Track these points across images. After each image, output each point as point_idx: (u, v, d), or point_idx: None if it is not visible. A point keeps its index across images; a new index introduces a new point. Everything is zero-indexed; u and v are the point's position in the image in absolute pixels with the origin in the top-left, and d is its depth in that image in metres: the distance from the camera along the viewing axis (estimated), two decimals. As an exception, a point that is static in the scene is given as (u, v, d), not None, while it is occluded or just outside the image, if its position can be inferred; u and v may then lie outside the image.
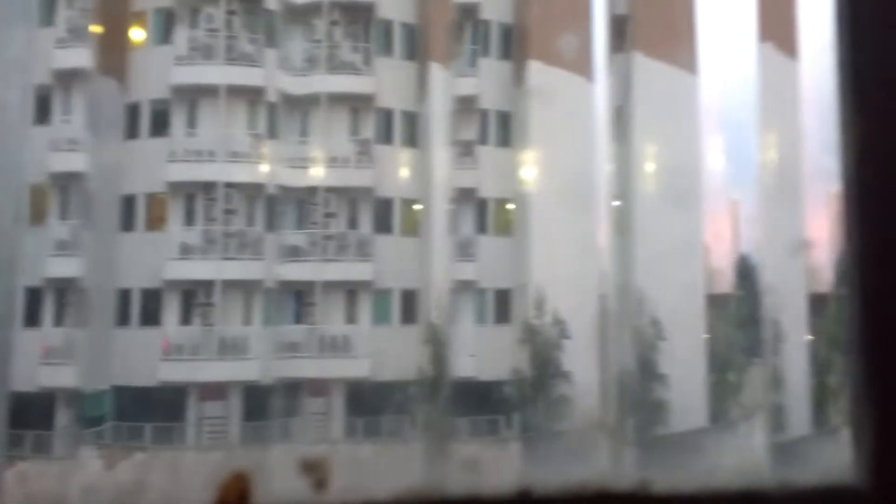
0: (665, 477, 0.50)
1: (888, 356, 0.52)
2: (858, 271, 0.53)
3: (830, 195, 0.73)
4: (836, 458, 0.58)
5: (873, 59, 0.54)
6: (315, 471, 0.48)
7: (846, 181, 0.55)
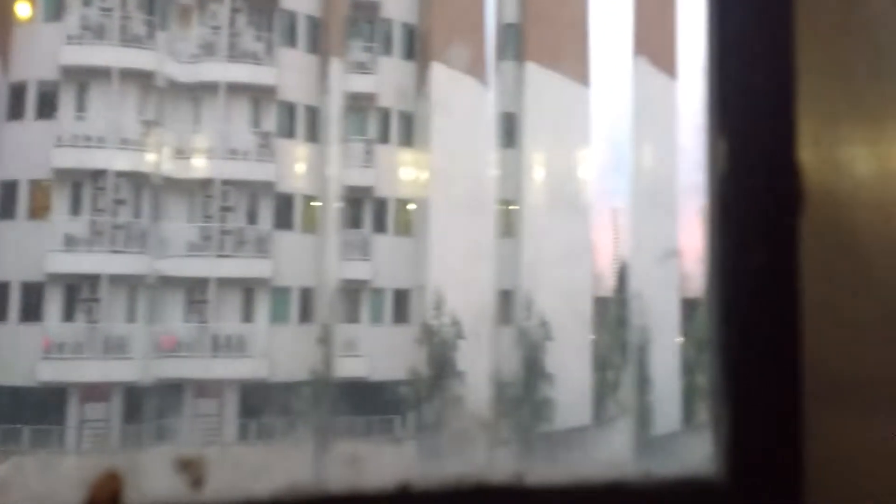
0: (546, 471, 0.53)
1: (742, 357, 0.57)
2: (717, 278, 0.57)
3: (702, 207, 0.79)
4: (701, 452, 0.63)
5: (738, 83, 0.59)
6: (191, 469, 0.48)
7: (710, 195, 0.59)
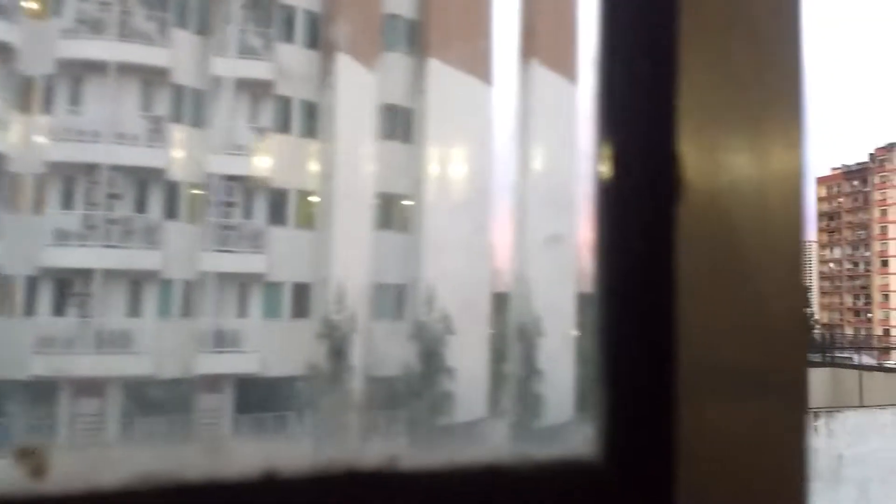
0: (424, 456, 0.51)
1: (620, 342, 0.57)
2: (601, 267, 0.58)
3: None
4: (589, 439, 0.64)
5: (622, 78, 0.59)
6: (30, 459, 0.43)
7: (597, 186, 0.59)
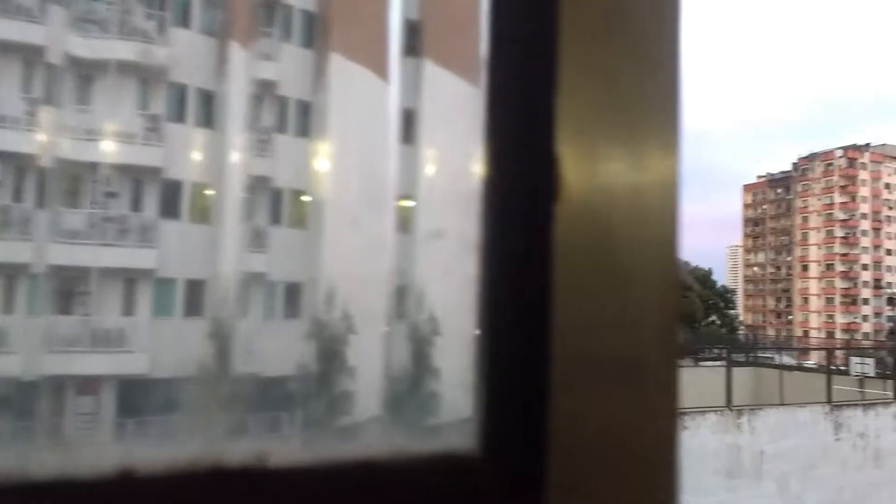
0: (298, 452, 0.51)
1: (497, 336, 0.59)
2: (483, 264, 0.59)
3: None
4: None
5: (505, 77, 0.61)
6: None
7: (482, 183, 0.60)
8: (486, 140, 0.61)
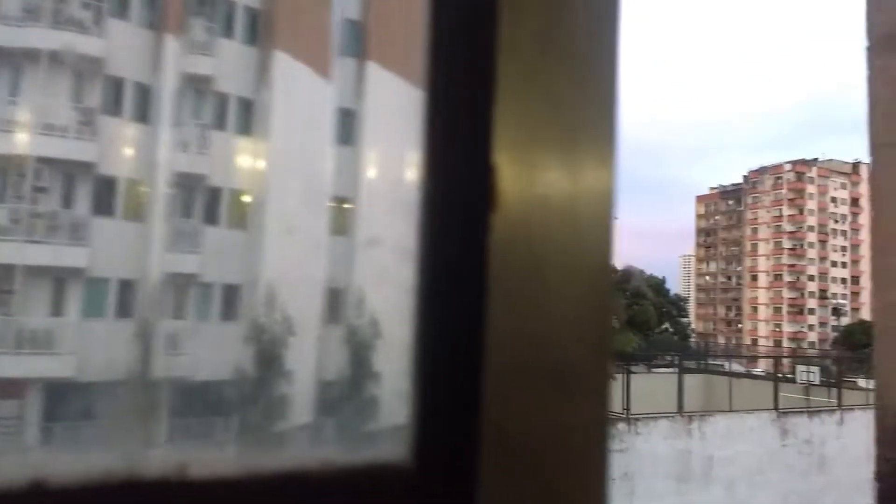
0: (224, 463, 0.50)
1: (432, 344, 0.58)
2: (419, 271, 0.59)
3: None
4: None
5: (443, 83, 0.61)
6: None
7: (418, 197, 0.60)
8: (424, 148, 0.61)
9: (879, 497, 1.66)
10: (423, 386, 0.58)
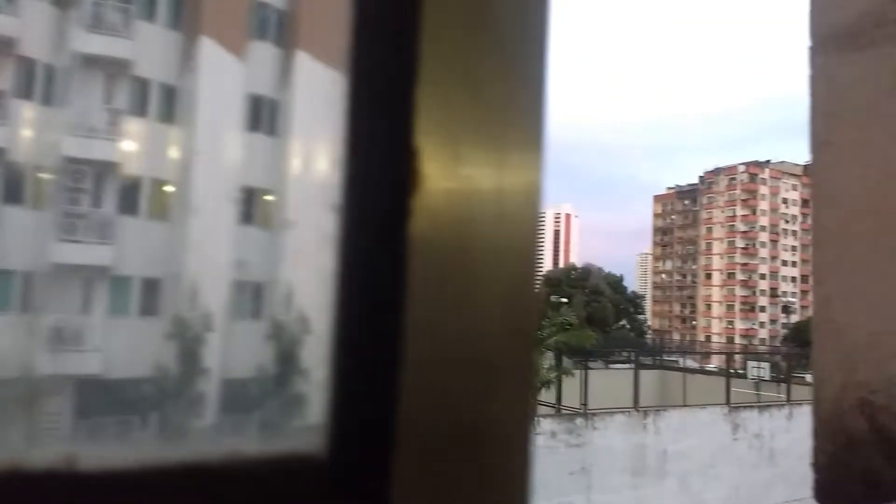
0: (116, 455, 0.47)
1: (348, 334, 0.57)
2: (336, 261, 0.57)
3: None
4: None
5: (365, 66, 0.59)
6: None
7: (339, 182, 0.58)
8: (345, 131, 0.59)
9: (816, 488, 1.70)
10: (339, 376, 0.56)
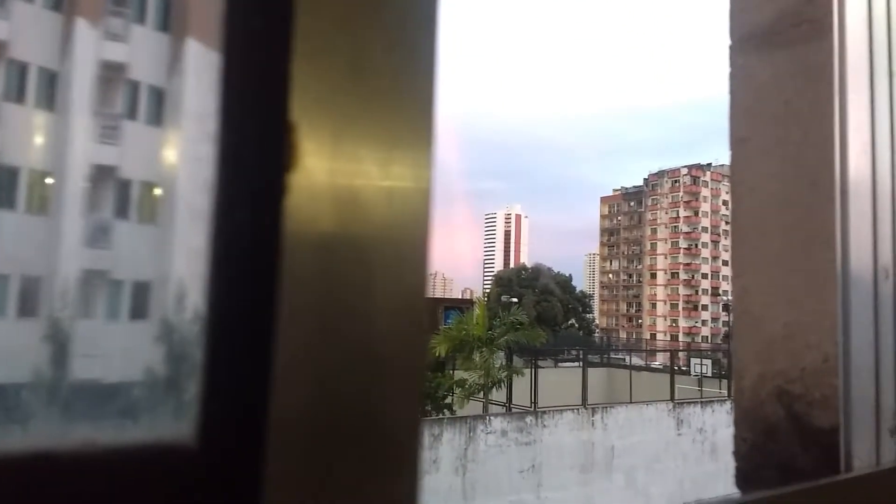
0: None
1: (220, 320, 0.54)
2: (207, 245, 0.54)
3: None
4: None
5: (238, 39, 0.57)
6: None
7: (214, 156, 0.56)
8: (219, 105, 0.56)
9: (737, 476, 1.74)
10: (210, 363, 0.54)
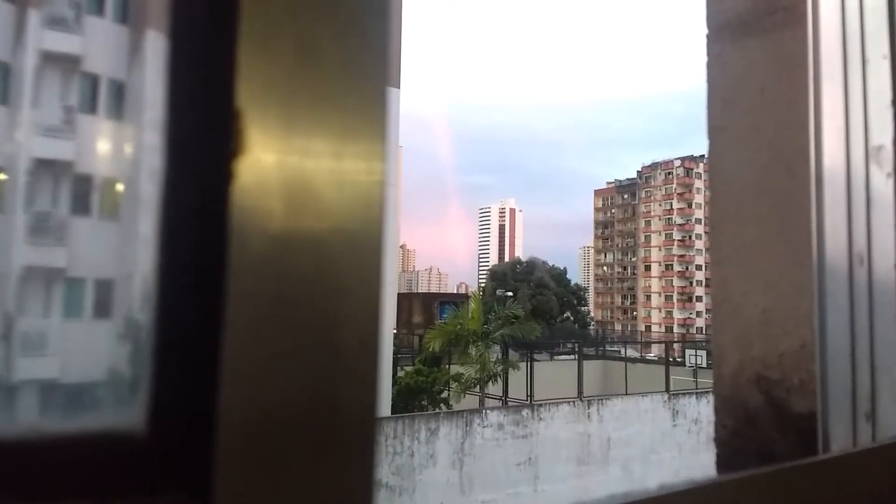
0: None
1: (168, 309, 0.54)
2: (154, 231, 0.54)
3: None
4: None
5: (181, 25, 0.56)
6: None
7: (161, 142, 0.56)
8: (165, 91, 0.56)
9: (718, 462, 1.75)
10: (158, 352, 0.54)
